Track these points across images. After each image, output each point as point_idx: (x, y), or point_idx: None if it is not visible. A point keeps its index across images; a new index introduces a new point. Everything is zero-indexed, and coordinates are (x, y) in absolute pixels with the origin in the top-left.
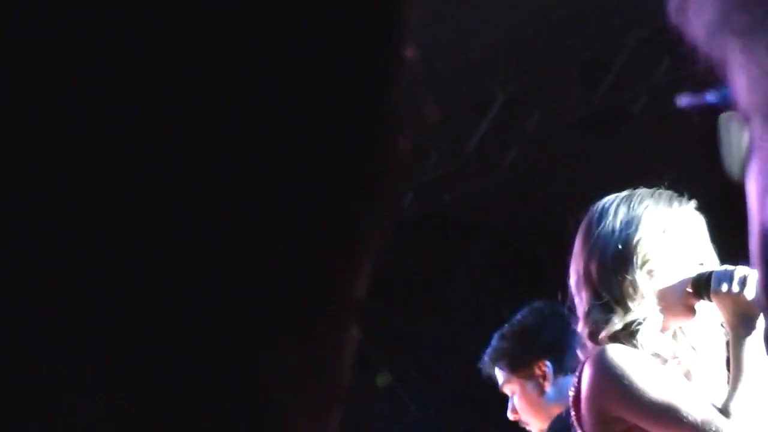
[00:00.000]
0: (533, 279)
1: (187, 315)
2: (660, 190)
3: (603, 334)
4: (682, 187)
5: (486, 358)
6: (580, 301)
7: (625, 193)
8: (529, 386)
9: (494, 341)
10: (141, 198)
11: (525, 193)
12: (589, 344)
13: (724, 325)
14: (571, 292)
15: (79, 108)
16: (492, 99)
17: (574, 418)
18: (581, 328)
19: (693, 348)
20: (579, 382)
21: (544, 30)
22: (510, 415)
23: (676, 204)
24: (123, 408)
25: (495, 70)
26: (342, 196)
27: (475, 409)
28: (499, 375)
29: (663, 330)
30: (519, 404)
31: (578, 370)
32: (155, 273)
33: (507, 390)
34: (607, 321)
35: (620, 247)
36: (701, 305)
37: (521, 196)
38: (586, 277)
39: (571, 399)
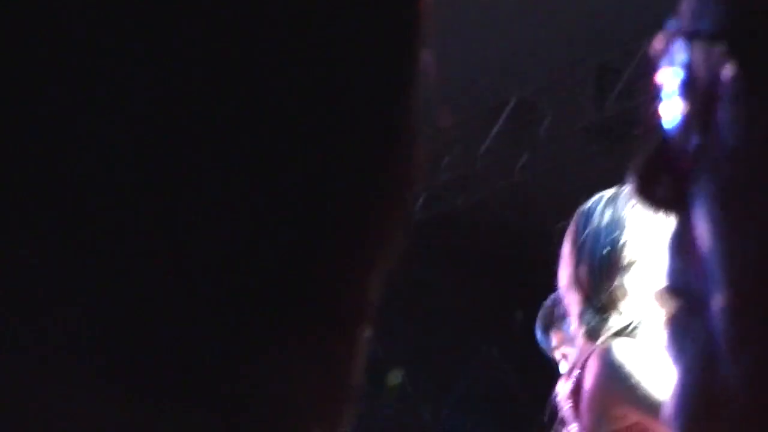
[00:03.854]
0: (545, 282)
1: (191, 322)
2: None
3: (601, 337)
4: None
5: (541, 320)
6: (571, 303)
7: (611, 192)
8: None
9: (548, 304)
10: (151, 206)
11: (537, 197)
12: (586, 343)
13: None
14: (560, 293)
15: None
16: (504, 103)
17: (569, 410)
18: (574, 328)
19: None
20: (580, 376)
21: (558, 34)
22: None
23: None
24: (131, 420)
25: (508, 74)
26: (357, 201)
27: (488, 411)
28: (555, 338)
29: (660, 323)
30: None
31: (578, 362)
32: (163, 274)
33: (560, 353)
34: (602, 323)
35: (606, 251)
36: None
37: (533, 199)
38: (576, 281)
39: (568, 391)
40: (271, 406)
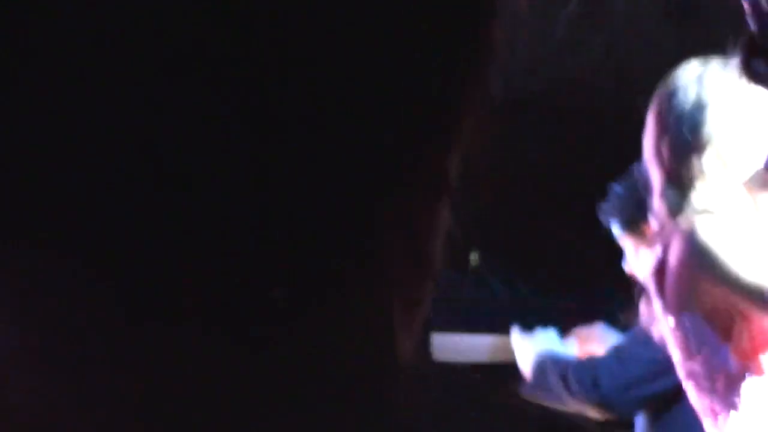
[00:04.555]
0: (622, 164)
1: (292, 194)
2: (729, 62)
3: (684, 214)
4: None
5: (602, 208)
6: (653, 178)
7: (697, 66)
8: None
9: (611, 195)
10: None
11: (614, 79)
12: (669, 220)
13: None
14: (644, 165)
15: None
16: None
17: (654, 291)
18: (657, 203)
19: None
20: (664, 256)
21: None
22: (626, 267)
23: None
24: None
25: None
26: (442, 79)
27: (566, 293)
28: (614, 229)
29: (743, 204)
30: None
31: (661, 239)
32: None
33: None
34: (683, 202)
35: (690, 131)
36: None
37: (610, 81)
38: (657, 156)
39: (651, 271)
40: (356, 275)
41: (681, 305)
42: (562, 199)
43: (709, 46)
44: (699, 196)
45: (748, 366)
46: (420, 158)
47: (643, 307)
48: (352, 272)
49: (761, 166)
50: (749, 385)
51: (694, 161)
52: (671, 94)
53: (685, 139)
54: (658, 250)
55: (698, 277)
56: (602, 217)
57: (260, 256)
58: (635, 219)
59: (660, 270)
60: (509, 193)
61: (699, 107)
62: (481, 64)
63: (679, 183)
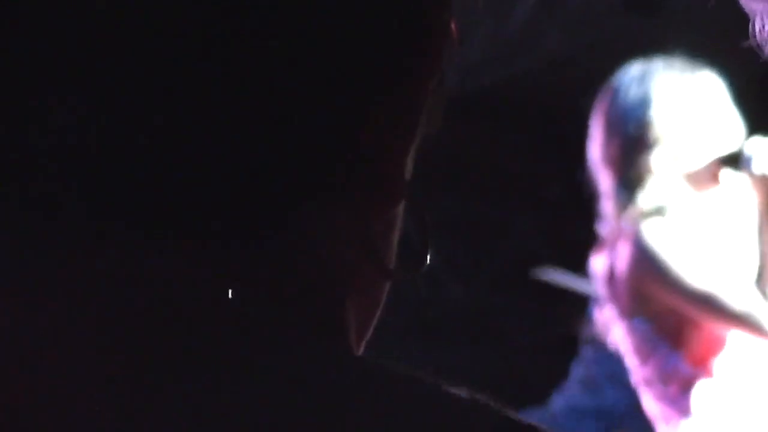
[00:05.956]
0: (577, 160)
1: (248, 196)
2: (674, 60)
3: (630, 215)
4: (730, 63)
5: None
6: (602, 178)
7: (640, 66)
8: None
9: None
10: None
11: (569, 75)
12: (617, 221)
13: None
14: (590, 166)
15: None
16: None
17: (606, 295)
18: (605, 204)
19: (721, 221)
20: (612, 260)
21: None
22: None
23: (688, 73)
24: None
25: None
26: (391, 82)
27: (521, 289)
28: None
29: (691, 202)
30: None
31: (608, 245)
32: (222, 159)
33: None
34: (632, 201)
35: (635, 128)
36: (728, 175)
37: (565, 77)
38: (606, 156)
39: (603, 276)
40: (315, 272)
41: (631, 310)
42: (517, 195)
43: (667, 42)
44: (646, 194)
45: (700, 371)
46: (373, 156)
47: (597, 312)
48: (306, 270)
49: (708, 161)
50: (701, 390)
51: (643, 159)
52: (617, 93)
53: (633, 138)
54: (607, 254)
55: (645, 282)
56: None
57: (210, 259)
58: None
59: (610, 275)
60: (463, 189)
61: (645, 105)
62: (434, 56)
63: (629, 182)
